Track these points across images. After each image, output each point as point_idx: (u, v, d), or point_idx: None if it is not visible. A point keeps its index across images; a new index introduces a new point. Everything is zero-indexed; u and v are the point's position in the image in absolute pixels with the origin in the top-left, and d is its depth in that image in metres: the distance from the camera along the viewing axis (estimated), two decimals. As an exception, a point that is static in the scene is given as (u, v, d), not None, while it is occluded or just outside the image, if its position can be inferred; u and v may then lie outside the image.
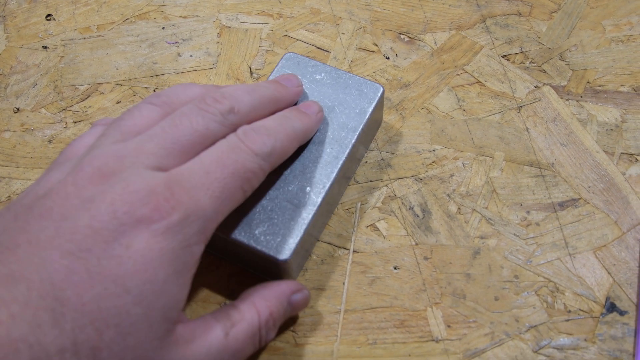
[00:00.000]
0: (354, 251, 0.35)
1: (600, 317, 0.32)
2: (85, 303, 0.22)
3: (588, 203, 0.36)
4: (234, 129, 0.28)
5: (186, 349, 0.25)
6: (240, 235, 0.31)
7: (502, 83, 0.40)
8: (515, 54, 0.42)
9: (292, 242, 0.31)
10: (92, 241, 0.22)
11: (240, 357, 0.27)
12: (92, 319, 0.22)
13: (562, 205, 0.36)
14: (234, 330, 0.27)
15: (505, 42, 0.42)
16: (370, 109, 0.35)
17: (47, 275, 0.22)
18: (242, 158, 0.27)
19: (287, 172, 0.33)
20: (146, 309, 0.23)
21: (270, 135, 0.28)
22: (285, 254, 0.30)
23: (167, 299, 0.24)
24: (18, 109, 0.41)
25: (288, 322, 0.33)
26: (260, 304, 0.28)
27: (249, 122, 0.29)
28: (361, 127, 0.34)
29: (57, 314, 0.21)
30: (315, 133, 0.34)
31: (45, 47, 0.44)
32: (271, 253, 0.30)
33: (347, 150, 0.33)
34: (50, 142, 0.39)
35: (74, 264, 0.22)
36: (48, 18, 0.45)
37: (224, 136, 0.28)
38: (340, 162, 0.33)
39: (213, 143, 0.27)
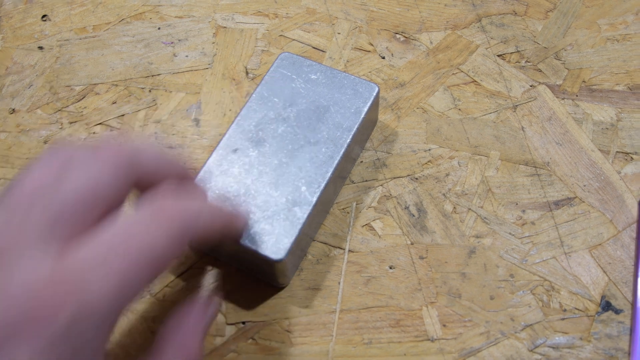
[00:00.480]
0: (349, 251, 0.35)
1: (596, 315, 0.32)
2: None
3: (583, 202, 0.36)
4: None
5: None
6: None
7: (498, 82, 0.40)
8: (511, 53, 0.42)
9: (287, 242, 0.31)
10: None
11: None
12: None
13: (558, 204, 0.36)
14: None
15: (501, 42, 0.42)
16: (366, 109, 0.35)
17: None
18: (150, 235, 0.22)
19: (282, 172, 0.33)
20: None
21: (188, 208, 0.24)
22: (280, 254, 0.30)
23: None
24: (14, 109, 0.41)
25: (283, 322, 0.33)
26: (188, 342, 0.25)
27: None
28: (356, 126, 0.34)
29: None
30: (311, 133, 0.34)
31: (41, 48, 0.44)
32: (266, 253, 0.30)
33: (342, 150, 0.33)
34: (45, 142, 0.39)
35: None
36: (44, 19, 0.45)
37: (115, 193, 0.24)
38: (336, 161, 0.33)
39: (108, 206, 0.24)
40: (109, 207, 0.23)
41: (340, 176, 0.35)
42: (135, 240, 0.22)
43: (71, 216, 0.22)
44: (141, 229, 0.22)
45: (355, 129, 0.34)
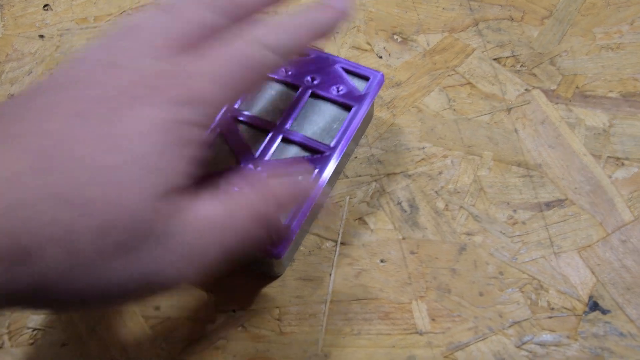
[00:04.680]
0: (341, 243, 0.35)
1: (583, 315, 0.33)
2: (80, 157, 0.22)
3: (574, 204, 0.36)
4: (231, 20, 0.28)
5: (177, 215, 0.23)
6: None
7: (493, 85, 0.41)
8: (507, 57, 0.42)
9: (288, 235, 0.31)
10: (95, 108, 0.23)
11: (244, 235, 0.25)
12: (86, 171, 0.22)
13: (549, 205, 0.36)
14: (231, 203, 0.25)
15: (497, 46, 0.43)
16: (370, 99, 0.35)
17: (46, 133, 0.22)
18: (251, 48, 0.26)
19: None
20: (144, 167, 0.22)
21: (282, 28, 0.28)
22: (279, 249, 0.30)
23: (168, 162, 0.23)
24: (12, 95, 0.41)
25: (273, 311, 0.33)
26: (257, 183, 0.27)
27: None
28: (359, 120, 0.34)
29: (52, 167, 0.21)
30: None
31: (41, 37, 0.44)
32: (266, 247, 0.30)
33: (344, 148, 0.34)
34: (43, 128, 0.39)
35: (75, 125, 0.22)
36: (45, 8, 0.46)
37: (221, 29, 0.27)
38: (337, 158, 0.33)
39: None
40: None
41: (336, 171, 0.35)
42: (237, 50, 0.26)
43: (185, 42, 0.26)
44: (240, 42, 0.26)
45: (357, 123, 0.34)
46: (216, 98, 0.25)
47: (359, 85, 0.36)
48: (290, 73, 0.36)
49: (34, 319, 0.33)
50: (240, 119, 0.34)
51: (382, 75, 0.36)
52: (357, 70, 0.36)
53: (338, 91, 0.35)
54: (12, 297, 0.21)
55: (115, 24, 0.28)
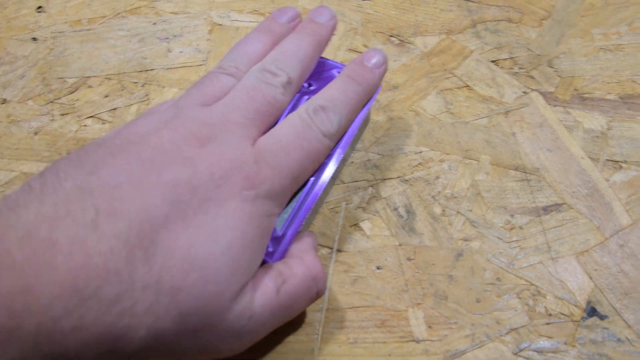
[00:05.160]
0: (337, 250, 0.35)
1: (581, 321, 0.33)
2: (177, 247, 0.23)
3: (572, 208, 0.36)
4: (292, 96, 0.31)
5: (245, 306, 0.25)
6: None
7: (491, 88, 0.41)
8: (505, 59, 0.42)
9: (283, 244, 0.31)
10: (190, 195, 0.24)
11: (292, 313, 0.28)
12: (179, 261, 0.23)
13: (546, 209, 0.36)
14: (286, 286, 0.27)
15: (495, 48, 0.42)
16: (369, 105, 0.35)
17: (147, 217, 0.23)
18: (315, 139, 0.29)
19: None
20: (232, 260, 0.24)
21: (336, 111, 0.30)
22: (274, 258, 0.30)
23: (251, 256, 0.25)
24: (5, 99, 0.40)
25: (269, 318, 0.33)
26: (308, 258, 0.29)
27: (302, 81, 0.32)
28: (356, 126, 0.34)
29: (149, 254, 0.22)
30: None
31: (34, 39, 0.44)
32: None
33: (342, 152, 0.33)
34: (36, 134, 0.39)
35: (172, 211, 0.23)
36: (39, 10, 0.45)
37: (286, 106, 0.31)
38: (335, 164, 0.33)
39: (280, 114, 0.30)
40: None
41: (333, 177, 0.35)
42: (305, 141, 0.29)
43: (261, 121, 0.29)
44: (306, 131, 0.30)
45: (355, 129, 0.34)
46: (291, 189, 0.28)
47: None
48: None
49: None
50: None
51: None
52: None
53: None
54: None
55: (192, 87, 0.30)
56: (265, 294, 0.26)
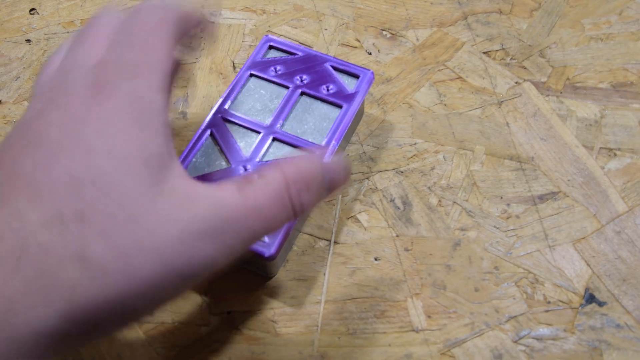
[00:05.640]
0: (335, 242, 0.35)
1: (580, 307, 0.33)
2: (56, 177, 0.21)
3: (567, 196, 0.36)
4: None
5: (188, 202, 0.22)
6: None
7: (483, 79, 0.41)
8: (496, 50, 0.42)
9: (279, 238, 0.31)
10: (50, 131, 0.22)
11: (268, 222, 0.24)
12: (68, 187, 0.21)
13: (542, 198, 0.36)
14: (252, 188, 0.23)
15: (487, 39, 0.43)
16: (361, 97, 0.35)
17: (15, 174, 0.22)
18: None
19: None
20: (117, 160, 0.22)
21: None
22: (271, 250, 0.30)
23: (137, 147, 0.22)
24: (0, 101, 0.40)
25: (268, 312, 0.33)
26: (285, 164, 0.25)
27: None
28: (351, 117, 0.34)
29: (32, 194, 0.21)
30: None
31: (28, 41, 0.44)
32: (258, 248, 0.30)
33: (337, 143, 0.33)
34: (31, 134, 0.39)
35: (36, 153, 0.22)
36: (32, 12, 0.45)
37: None
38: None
39: None
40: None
41: None
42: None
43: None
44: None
45: (348, 123, 0.34)
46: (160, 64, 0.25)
47: (349, 83, 0.35)
48: (280, 72, 0.36)
49: (27, 327, 0.33)
50: (230, 119, 0.34)
51: (372, 73, 0.36)
52: (347, 69, 0.36)
53: (328, 90, 0.35)
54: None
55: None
56: (224, 194, 0.23)
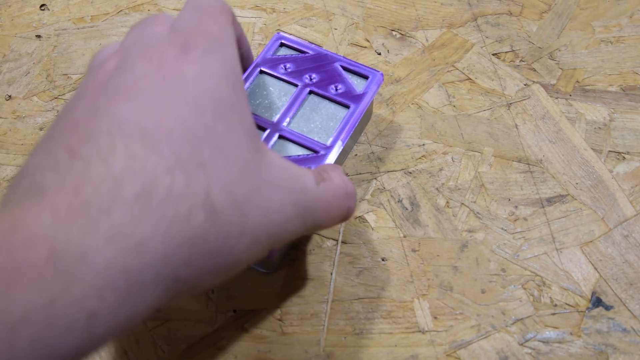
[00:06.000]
0: (342, 242, 0.35)
1: (586, 311, 0.33)
2: (171, 128, 0.21)
3: (575, 199, 0.36)
4: None
5: (282, 175, 0.24)
6: None
7: (492, 80, 0.41)
8: (506, 52, 0.42)
9: None
10: (147, 82, 0.22)
11: (329, 218, 0.26)
12: (185, 139, 0.21)
13: (550, 200, 0.36)
14: (325, 184, 0.26)
15: (496, 41, 0.42)
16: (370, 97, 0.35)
17: (121, 120, 0.21)
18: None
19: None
20: (228, 124, 0.22)
21: None
22: (273, 250, 0.30)
23: (241, 115, 0.23)
24: (10, 96, 0.41)
25: (275, 311, 0.33)
26: (342, 176, 0.27)
27: None
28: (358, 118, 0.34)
29: (148, 145, 0.20)
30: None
31: (38, 37, 0.44)
32: None
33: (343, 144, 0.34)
34: (41, 129, 0.39)
35: (141, 102, 0.21)
36: (42, 8, 0.45)
37: None
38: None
39: None
40: None
41: None
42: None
43: None
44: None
45: (355, 122, 0.34)
46: (230, 38, 0.25)
47: (358, 83, 0.35)
48: (289, 70, 0.36)
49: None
50: None
51: (382, 75, 0.36)
52: (357, 69, 0.36)
53: (336, 90, 0.35)
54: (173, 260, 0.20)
55: None
56: (306, 179, 0.25)
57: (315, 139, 0.33)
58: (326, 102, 0.35)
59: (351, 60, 0.36)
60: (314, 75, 0.35)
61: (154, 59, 0.23)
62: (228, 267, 0.22)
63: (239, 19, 0.44)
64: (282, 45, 0.37)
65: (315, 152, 0.33)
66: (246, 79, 0.35)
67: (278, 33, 0.37)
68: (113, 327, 0.19)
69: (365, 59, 0.42)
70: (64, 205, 0.18)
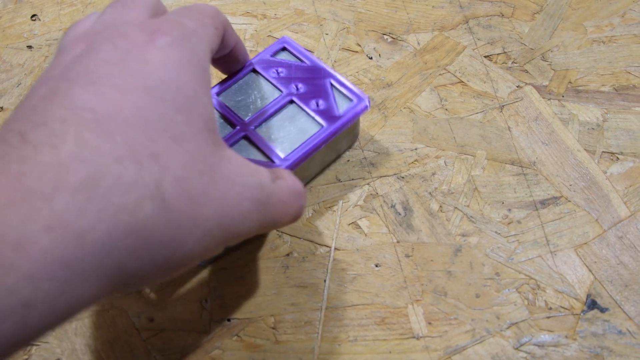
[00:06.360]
0: (335, 249, 0.35)
1: (581, 314, 0.32)
2: (127, 116, 0.21)
3: (569, 201, 0.36)
4: None
5: (239, 170, 0.24)
6: None
7: (485, 83, 0.41)
8: (498, 54, 0.42)
9: None
10: (108, 68, 0.22)
11: (286, 213, 0.26)
12: (140, 128, 0.21)
13: (544, 203, 0.36)
14: (280, 182, 0.26)
15: (488, 43, 0.42)
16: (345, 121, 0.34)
17: (76, 106, 0.20)
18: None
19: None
20: (187, 116, 0.22)
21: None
22: None
23: (202, 108, 0.23)
24: (2, 107, 0.41)
25: (268, 319, 0.33)
26: (292, 177, 0.27)
27: None
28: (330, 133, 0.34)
29: (100, 132, 0.20)
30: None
31: (30, 47, 0.44)
32: None
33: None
34: (32, 141, 0.39)
35: (99, 89, 0.21)
36: (33, 18, 0.45)
37: None
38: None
39: None
40: None
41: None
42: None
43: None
44: None
45: (317, 143, 0.33)
46: (204, 32, 0.26)
47: (342, 104, 0.35)
48: (281, 75, 0.35)
49: (28, 334, 0.33)
50: (216, 107, 0.34)
51: (367, 101, 0.34)
52: (345, 90, 0.35)
53: (317, 105, 0.34)
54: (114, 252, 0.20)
55: None
56: (262, 176, 0.25)
57: (278, 148, 0.33)
58: (304, 115, 0.34)
59: (343, 80, 0.35)
60: (300, 86, 0.35)
61: (121, 44, 0.23)
62: (179, 261, 0.22)
63: (230, 26, 0.44)
64: (283, 49, 0.37)
65: (272, 161, 0.33)
66: (238, 75, 0.35)
67: (284, 37, 0.37)
68: (50, 318, 0.18)
69: (357, 63, 0.42)
70: (4, 191, 0.18)
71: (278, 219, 0.25)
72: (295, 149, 0.33)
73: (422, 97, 0.40)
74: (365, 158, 0.38)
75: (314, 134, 0.33)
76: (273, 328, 0.32)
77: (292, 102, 0.35)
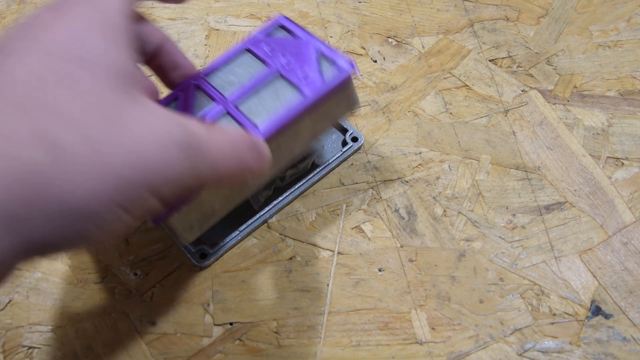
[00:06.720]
0: (338, 253, 0.35)
1: (586, 320, 0.32)
2: (16, 75, 0.22)
3: (574, 206, 0.36)
4: None
5: (157, 115, 0.23)
6: None
7: (489, 87, 0.40)
8: (503, 58, 0.42)
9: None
10: (10, 43, 0.23)
11: (228, 165, 0.25)
12: (31, 84, 0.21)
13: (548, 208, 0.36)
14: (217, 131, 0.25)
15: (493, 47, 0.42)
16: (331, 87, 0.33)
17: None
18: None
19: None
20: (92, 70, 0.23)
21: None
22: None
23: (110, 61, 0.23)
24: None
25: (271, 323, 0.32)
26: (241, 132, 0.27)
27: None
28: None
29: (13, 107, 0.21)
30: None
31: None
32: None
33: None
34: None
35: None
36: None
37: None
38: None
39: None
40: None
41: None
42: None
43: None
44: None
45: (295, 112, 0.32)
46: None
47: (329, 74, 0.34)
48: (272, 52, 0.35)
49: (29, 337, 0.33)
50: (200, 85, 0.34)
51: (352, 67, 0.33)
52: (332, 59, 0.34)
53: (304, 78, 0.34)
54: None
55: None
56: (191, 123, 0.24)
57: (257, 121, 0.32)
58: (289, 88, 0.34)
59: (329, 50, 0.34)
60: (289, 60, 0.35)
61: (26, 22, 0.23)
62: (87, 211, 0.21)
63: (235, 28, 0.44)
64: (281, 27, 0.36)
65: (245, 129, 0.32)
66: (228, 54, 0.35)
67: (281, 16, 0.36)
68: None
69: (361, 66, 0.42)
70: None
71: (217, 167, 0.25)
72: (271, 119, 0.32)
73: (426, 100, 0.40)
74: (369, 162, 0.38)
75: (294, 105, 0.33)
76: (276, 332, 0.32)
77: (280, 76, 0.34)
